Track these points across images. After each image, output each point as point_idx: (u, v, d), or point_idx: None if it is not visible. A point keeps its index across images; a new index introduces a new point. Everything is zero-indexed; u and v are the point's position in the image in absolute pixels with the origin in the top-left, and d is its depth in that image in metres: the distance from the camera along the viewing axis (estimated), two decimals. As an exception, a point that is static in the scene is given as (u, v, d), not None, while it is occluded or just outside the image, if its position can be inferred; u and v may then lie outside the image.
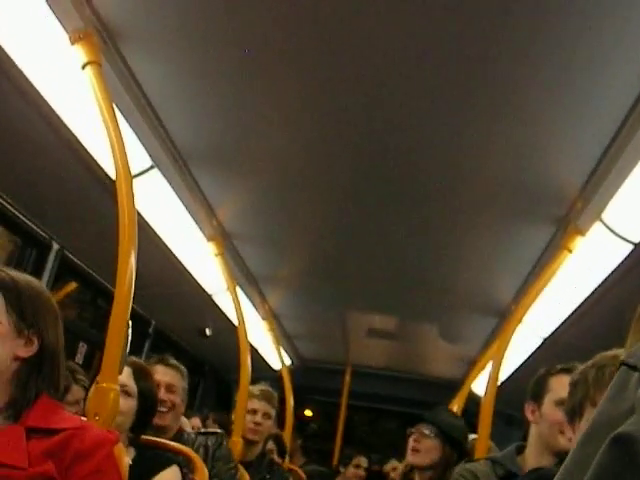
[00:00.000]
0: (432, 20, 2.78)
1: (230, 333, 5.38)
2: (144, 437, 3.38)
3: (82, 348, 5.90)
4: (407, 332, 7.46)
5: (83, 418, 2.45)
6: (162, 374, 3.77)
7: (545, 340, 5.86)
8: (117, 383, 2.74)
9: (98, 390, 2.74)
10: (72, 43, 2.93)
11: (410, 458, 4.15)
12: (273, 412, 5.08)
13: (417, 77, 3.16)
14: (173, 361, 4.01)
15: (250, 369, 5.11)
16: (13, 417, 1.98)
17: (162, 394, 3.71)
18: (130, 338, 2.94)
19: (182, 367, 4.01)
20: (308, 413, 10.16)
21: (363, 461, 7.56)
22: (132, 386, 3.19)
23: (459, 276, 5.74)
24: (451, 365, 8.22)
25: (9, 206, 4.30)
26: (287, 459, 6.46)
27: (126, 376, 3.16)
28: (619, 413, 1.04)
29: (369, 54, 3.04)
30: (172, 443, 3.57)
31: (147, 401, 3.20)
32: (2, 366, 1.98)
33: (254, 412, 4.97)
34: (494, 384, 4.39)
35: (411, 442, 4.14)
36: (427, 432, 4.11)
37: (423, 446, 4.09)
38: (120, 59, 3.15)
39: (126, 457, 2.64)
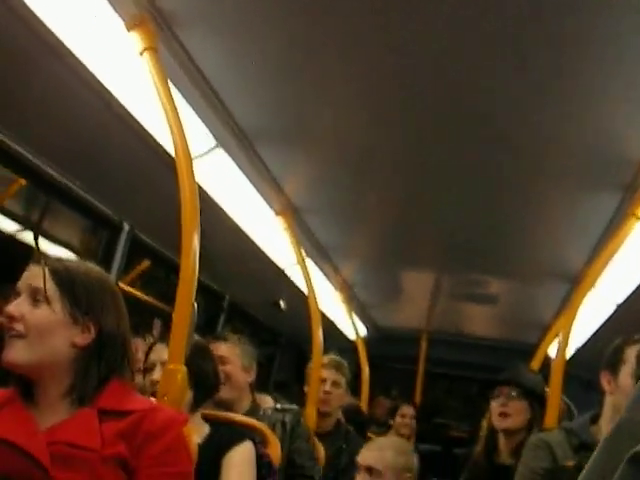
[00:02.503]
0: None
1: (304, 305, 5.41)
2: (218, 413, 3.44)
3: (157, 324, 6.01)
4: (481, 297, 7.42)
5: (152, 399, 2.51)
6: (214, 349, 3.80)
7: (619, 306, 5.79)
8: (183, 364, 2.79)
9: (166, 371, 2.79)
10: (128, 30, 2.97)
11: (499, 423, 3.98)
12: (343, 380, 5.08)
13: (496, 40, 3.10)
14: (226, 335, 4.09)
15: (322, 340, 5.15)
16: (78, 402, 2.04)
17: None
18: (196, 317, 2.98)
19: (237, 338, 4.07)
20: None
21: (408, 409, 7.54)
22: None
23: (531, 242, 5.68)
24: (526, 330, 8.17)
25: (79, 190, 4.39)
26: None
27: None
28: None
29: (440, 30, 3.01)
30: (245, 418, 3.62)
31: (201, 378, 3.20)
32: (59, 355, 2.02)
33: (323, 381, 4.98)
34: (564, 349, 4.35)
35: (497, 407, 4.00)
36: (514, 394, 4.00)
37: (512, 409, 3.98)
38: (177, 43, 3.17)
39: (195, 436, 2.68)
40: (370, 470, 3.76)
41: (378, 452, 3.85)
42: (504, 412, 3.94)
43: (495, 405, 3.98)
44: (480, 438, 4.18)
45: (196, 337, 3.39)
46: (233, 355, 3.96)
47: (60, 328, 2.02)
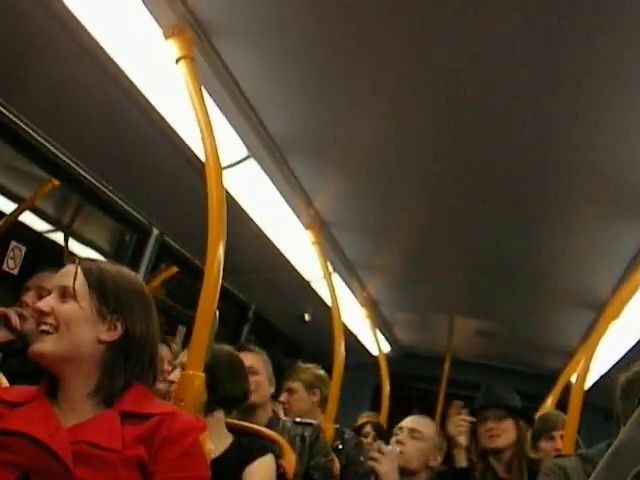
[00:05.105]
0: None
1: (328, 319, 5.42)
2: (240, 423, 3.46)
3: (181, 331, 6.04)
4: (507, 324, 7.41)
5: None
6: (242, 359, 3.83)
7: (644, 335, 5.76)
8: (202, 370, 2.81)
9: (184, 377, 2.81)
10: (166, 38, 3.01)
11: (491, 443, 4.12)
12: (296, 385, 5.02)
13: (525, 70, 3.13)
14: (251, 346, 4.13)
15: (344, 355, 5.15)
16: (104, 403, 2.06)
17: None
18: (217, 325, 3.00)
19: (261, 350, 4.13)
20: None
21: None
22: None
23: (559, 269, 5.67)
24: (551, 357, 8.11)
25: (111, 194, 4.44)
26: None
27: None
28: None
29: (477, 47, 3.02)
30: (266, 430, 3.64)
31: (224, 390, 3.23)
32: (86, 349, 2.06)
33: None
34: (583, 377, 4.36)
35: (487, 429, 4.13)
36: (502, 415, 4.13)
37: (502, 429, 4.10)
38: (214, 52, 3.20)
39: (209, 444, 2.70)
40: (414, 431, 4.13)
41: (424, 421, 4.28)
42: (495, 433, 4.08)
43: (485, 427, 4.12)
44: (474, 463, 4.30)
45: (229, 349, 3.43)
46: (261, 366, 4.03)
47: (87, 322, 2.07)
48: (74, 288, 2.09)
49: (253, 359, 4.00)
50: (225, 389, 3.22)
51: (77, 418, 2.02)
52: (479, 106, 3.51)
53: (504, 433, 4.09)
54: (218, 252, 2.97)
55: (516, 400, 4.26)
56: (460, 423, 4.30)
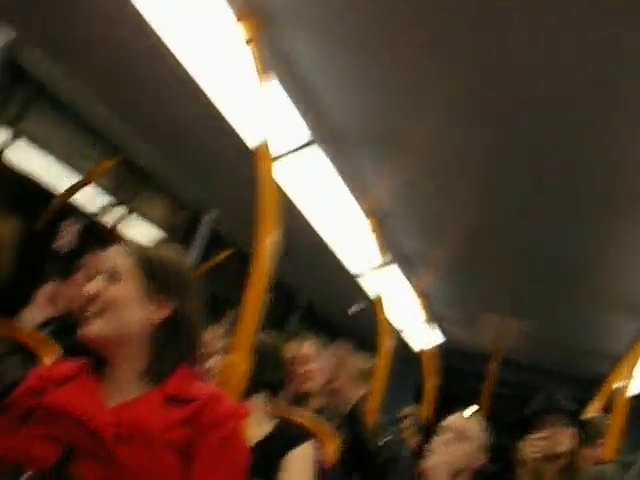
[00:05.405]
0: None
1: (376, 311, 5.40)
2: (283, 410, 3.46)
3: (230, 315, 6.04)
4: (555, 327, 7.36)
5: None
6: (297, 347, 3.84)
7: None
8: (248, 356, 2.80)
9: (229, 361, 2.81)
10: (236, 21, 3.02)
11: (554, 449, 4.06)
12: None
13: (581, 74, 3.10)
14: (307, 334, 4.12)
15: (390, 348, 5.14)
16: (151, 384, 2.06)
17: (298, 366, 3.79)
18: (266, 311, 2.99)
19: (316, 340, 4.12)
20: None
21: None
22: None
23: (609, 273, 5.62)
24: (599, 362, 8.03)
25: (168, 176, 4.47)
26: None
27: None
28: None
29: (538, 45, 3.00)
30: (307, 421, 3.63)
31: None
32: (135, 329, 2.04)
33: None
34: (627, 383, 4.30)
35: (551, 433, 4.07)
36: (565, 422, 4.06)
37: (564, 436, 4.04)
38: (280, 38, 3.21)
39: (257, 429, 2.69)
40: (460, 433, 3.75)
41: (470, 420, 3.88)
42: (558, 439, 4.00)
43: (548, 432, 4.04)
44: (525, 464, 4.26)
45: (271, 335, 3.42)
46: (316, 355, 4.01)
47: (135, 304, 2.05)
48: (121, 269, 2.09)
49: (309, 347, 3.99)
50: (264, 375, 3.22)
51: (122, 397, 2.01)
52: (542, 112, 3.51)
53: (565, 440, 4.03)
54: (270, 238, 2.96)
55: (574, 407, 4.21)
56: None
